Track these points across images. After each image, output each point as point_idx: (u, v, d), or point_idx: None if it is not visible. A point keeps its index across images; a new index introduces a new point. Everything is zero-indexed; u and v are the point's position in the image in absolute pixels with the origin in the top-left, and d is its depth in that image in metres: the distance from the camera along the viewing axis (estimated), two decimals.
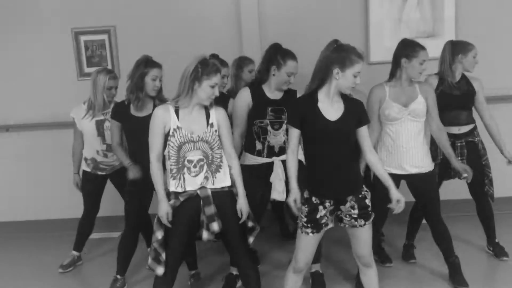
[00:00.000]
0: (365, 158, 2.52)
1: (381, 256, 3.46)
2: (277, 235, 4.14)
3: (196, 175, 2.55)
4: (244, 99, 3.08)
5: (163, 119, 2.53)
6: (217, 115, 2.61)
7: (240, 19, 4.27)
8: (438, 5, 4.23)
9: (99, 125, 3.50)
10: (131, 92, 3.07)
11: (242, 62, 3.81)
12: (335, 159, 2.42)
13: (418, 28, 4.25)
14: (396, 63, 2.97)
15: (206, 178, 2.56)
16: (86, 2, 4.33)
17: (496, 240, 3.55)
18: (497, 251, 3.50)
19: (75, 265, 3.78)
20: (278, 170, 2.99)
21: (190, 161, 2.54)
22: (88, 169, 3.62)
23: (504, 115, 4.03)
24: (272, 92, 3.06)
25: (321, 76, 2.42)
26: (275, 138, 3.02)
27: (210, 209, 2.54)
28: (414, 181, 3.02)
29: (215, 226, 2.54)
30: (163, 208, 2.50)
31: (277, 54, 3.00)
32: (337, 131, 2.39)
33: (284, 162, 2.87)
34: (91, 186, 3.65)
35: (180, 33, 4.32)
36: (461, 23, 4.20)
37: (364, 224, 2.47)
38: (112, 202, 3.84)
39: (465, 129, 3.33)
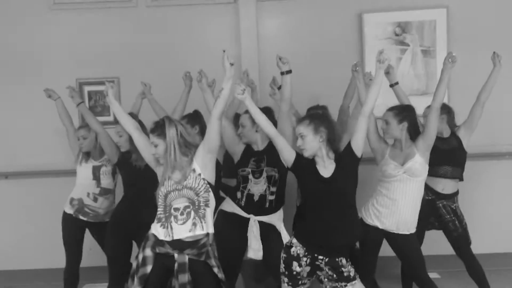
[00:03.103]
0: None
1: None
2: None
3: (183, 223, 2.57)
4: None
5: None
6: (197, 156, 2.65)
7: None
8: (431, 62, 4.32)
9: (96, 170, 3.57)
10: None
11: None
12: (329, 213, 2.58)
13: (412, 85, 4.30)
14: None
15: (194, 224, 2.58)
16: (93, 54, 4.41)
17: None
18: None
19: None
20: (253, 228, 3.03)
21: (176, 209, 2.58)
22: (71, 211, 3.56)
23: (495, 173, 4.12)
24: (255, 144, 3.18)
25: None
26: (256, 186, 3.08)
27: (184, 277, 2.53)
28: (396, 241, 3.06)
29: None
30: None
31: None
32: (331, 189, 2.56)
33: (260, 222, 3.01)
34: (71, 230, 3.57)
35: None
36: (453, 81, 4.22)
37: (346, 286, 2.54)
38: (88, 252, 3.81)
39: (448, 189, 3.40)
